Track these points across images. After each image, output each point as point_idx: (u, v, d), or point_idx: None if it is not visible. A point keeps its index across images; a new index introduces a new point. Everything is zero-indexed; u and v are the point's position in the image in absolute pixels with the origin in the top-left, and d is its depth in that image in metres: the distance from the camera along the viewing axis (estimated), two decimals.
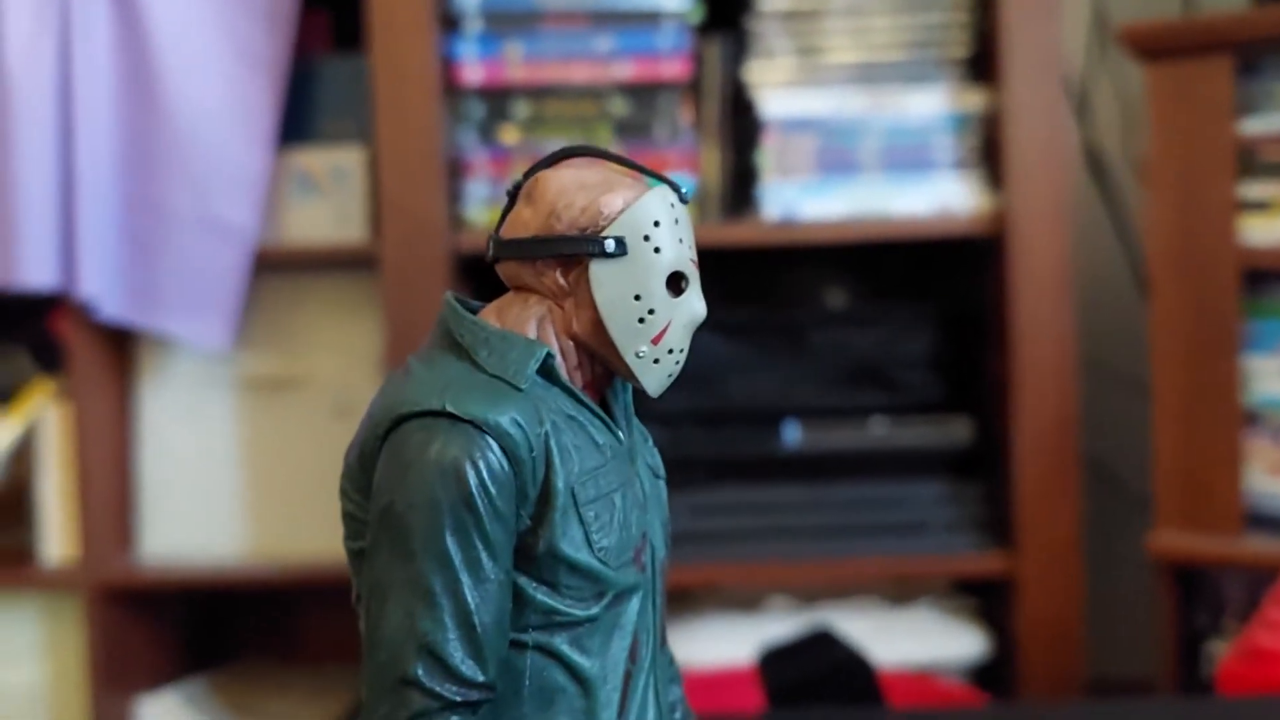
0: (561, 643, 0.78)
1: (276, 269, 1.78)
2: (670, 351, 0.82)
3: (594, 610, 0.79)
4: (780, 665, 1.56)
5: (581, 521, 0.78)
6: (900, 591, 1.78)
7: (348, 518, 0.81)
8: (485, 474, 0.75)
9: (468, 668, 0.75)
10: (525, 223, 0.82)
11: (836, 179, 1.70)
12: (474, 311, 0.83)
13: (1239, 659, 1.49)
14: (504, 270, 0.83)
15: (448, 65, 1.70)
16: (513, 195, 0.84)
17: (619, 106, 1.71)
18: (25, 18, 1.66)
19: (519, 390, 0.78)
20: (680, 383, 0.84)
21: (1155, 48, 1.67)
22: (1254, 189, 1.63)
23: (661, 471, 0.88)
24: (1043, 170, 1.64)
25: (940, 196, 1.69)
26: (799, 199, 1.69)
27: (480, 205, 1.70)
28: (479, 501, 0.75)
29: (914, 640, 1.70)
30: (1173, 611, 1.68)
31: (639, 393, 0.84)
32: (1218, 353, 1.64)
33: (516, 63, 1.70)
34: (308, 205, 1.76)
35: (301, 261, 1.77)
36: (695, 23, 1.71)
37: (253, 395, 1.82)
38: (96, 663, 1.73)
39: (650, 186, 0.83)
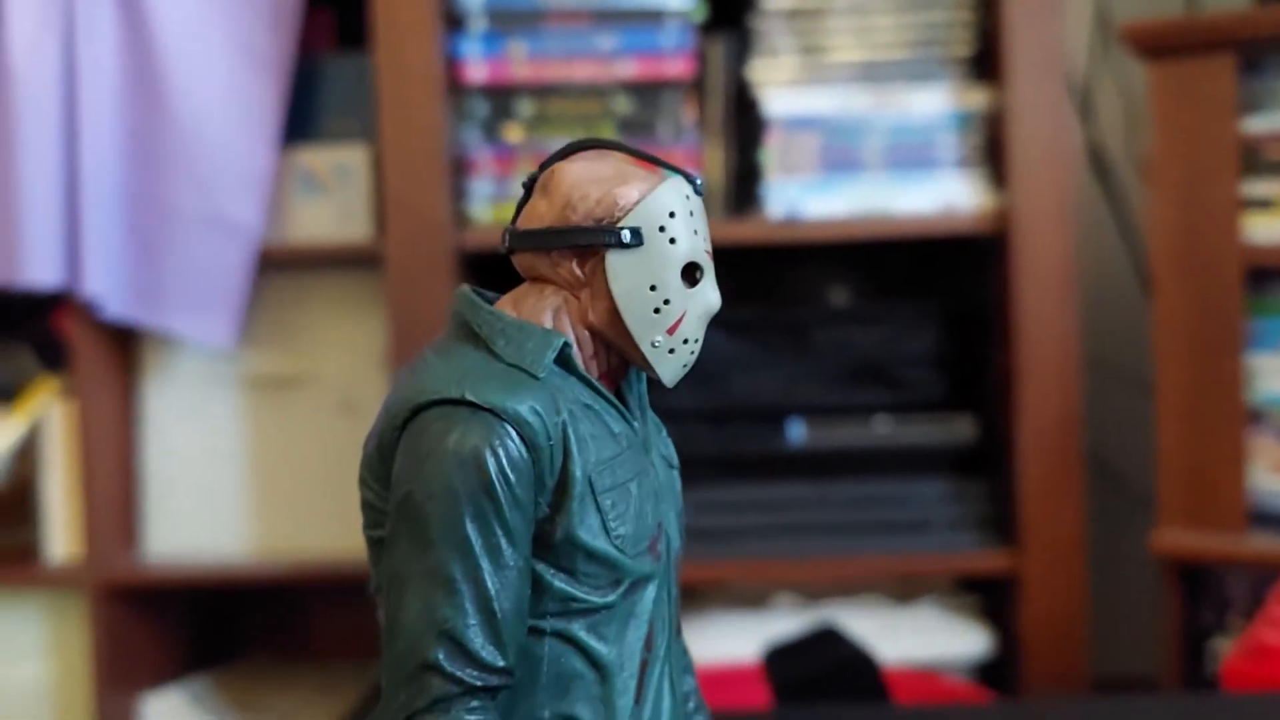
0: (579, 629, 0.79)
1: (281, 267, 1.78)
2: (685, 341, 0.82)
3: (611, 598, 0.79)
4: (786, 662, 1.56)
5: (599, 509, 0.79)
6: (905, 589, 1.78)
7: (366, 506, 0.82)
8: (505, 462, 0.76)
9: (488, 653, 0.76)
10: (541, 214, 0.82)
11: (840, 177, 1.70)
12: (490, 302, 0.83)
13: (1243, 656, 1.49)
14: (520, 261, 0.84)
15: (452, 64, 1.70)
16: (528, 187, 0.85)
17: (623, 105, 1.71)
18: (30, 17, 1.66)
19: (536, 379, 0.78)
20: (684, 380, 0.85)
21: (1158, 46, 1.67)
22: (1257, 187, 1.63)
23: (676, 462, 0.89)
24: (1046, 169, 1.64)
25: (943, 195, 1.69)
26: (802, 197, 1.69)
27: (484, 203, 1.70)
28: (499, 489, 0.75)
29: (919, 638, 1.70)
30: (1177, 609, 1.68)
31: (648, 387, 0.85)
32: (1221, 351, 1.65)
33: (520, 61, 1.70)
34: (312, 204, 1.76)
35: (306, 260, 1.77)
36: (699, 21, 1.71)
37: (257, 393, 1.82)
38: (101, 660, 1.73)
39: (665, 178, 0.83)
